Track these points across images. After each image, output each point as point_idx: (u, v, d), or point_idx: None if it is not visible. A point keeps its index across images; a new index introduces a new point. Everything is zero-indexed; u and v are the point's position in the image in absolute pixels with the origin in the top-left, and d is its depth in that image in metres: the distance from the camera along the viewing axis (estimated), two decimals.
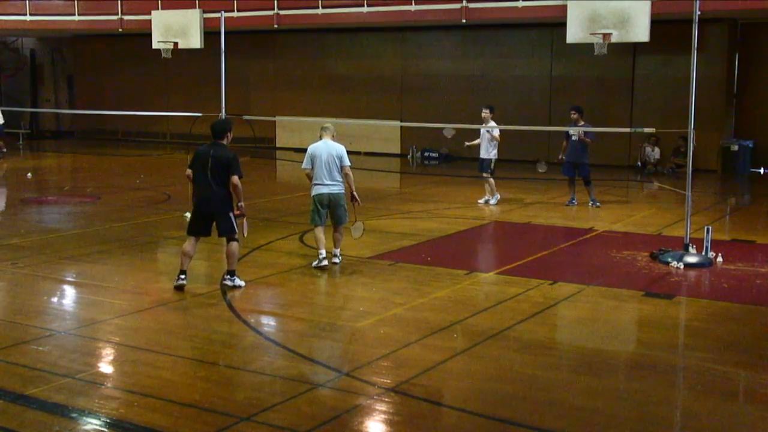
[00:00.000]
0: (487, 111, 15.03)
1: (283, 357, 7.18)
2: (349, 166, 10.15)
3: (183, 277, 9.01)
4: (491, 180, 15.26)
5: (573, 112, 15.12)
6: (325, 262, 10.05)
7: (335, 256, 10.28)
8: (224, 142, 9.09)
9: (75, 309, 8.90)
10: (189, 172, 9.07)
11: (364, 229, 10.75)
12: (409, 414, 6.02)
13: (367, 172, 19.67)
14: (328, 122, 10.63)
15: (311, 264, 10.15)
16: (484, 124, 15.02)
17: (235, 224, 9.11)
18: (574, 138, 15.10)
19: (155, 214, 14.33)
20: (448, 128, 14.46)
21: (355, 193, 10.19)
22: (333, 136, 10.35)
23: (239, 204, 9.10)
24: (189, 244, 9.07)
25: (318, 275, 10.00)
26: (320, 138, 10.29)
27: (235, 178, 8.93)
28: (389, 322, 8.08)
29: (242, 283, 9.19)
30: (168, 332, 7.84)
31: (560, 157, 15.52)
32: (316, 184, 10.12)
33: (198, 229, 9.13)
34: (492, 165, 15.15)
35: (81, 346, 7.44)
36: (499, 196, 15.40)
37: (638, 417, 5.93)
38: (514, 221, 13.86)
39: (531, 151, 22.60)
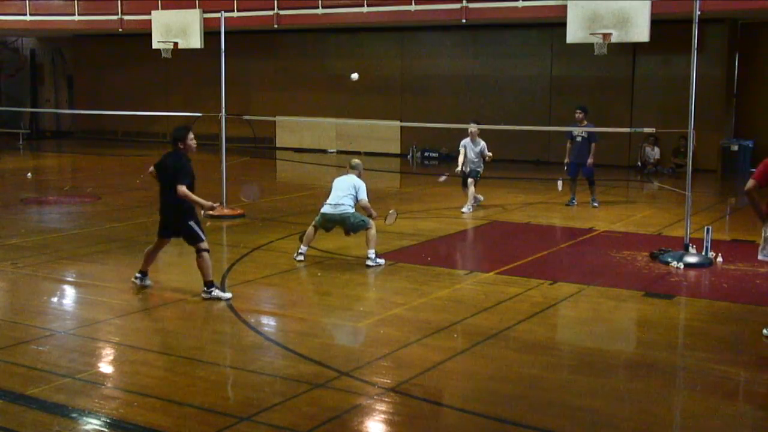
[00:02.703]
0: (476, 127, 14.60)
1: (283, 357, 7.18)
2: (365, 200, 10.45)
3: (139, 276, 9.12)
4: (472, 188, 14.57)
5: (578, 111, 14.92)
6: (300, 257, 10.42)
7: (368, 258, 10.32)
8: (182, 147, 8.70)
9: (75, 309, 8.91)
10: (152, 170, 8.93)
11: (396, 217, 11.09)
12: (409, 414, 6.02)
13: (367, 172, 19.65)
14: (357, 160, 10.93)
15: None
16: (472, 140, 14.52)
17: (198, 232, 8.67)
18: (578, 139, 14.93)
19: (155, 214, 14.23)
20: (443, 177, 14.13)
21: (372, 212, 10.53)
22: (359, 173, 10.68)
23: (203, 212, 8.74)
24: (153, 246, 9.09)
25: (318, 275, 10.02)
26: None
27: (180, 188, 8.48)
28: (389, 322, 8.08)
29: (225, 295, 8.67)
30: (168, 332, 7.84)
31: (566, 161, 15.18)
32: (325, 204, 10.54)
33: (164, 233, 9.05)
34: (479, 175, 14.63)
35: (81, 346, 7.44)
36: (471, 207, 14.56)
37: (638, 417, 5.94)
38: (514, 221, 13.86)
39: (531, 151, 22.65)
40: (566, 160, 15.26)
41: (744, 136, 21.11)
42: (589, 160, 14.90)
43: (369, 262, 10.26)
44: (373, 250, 10.31)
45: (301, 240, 10.75)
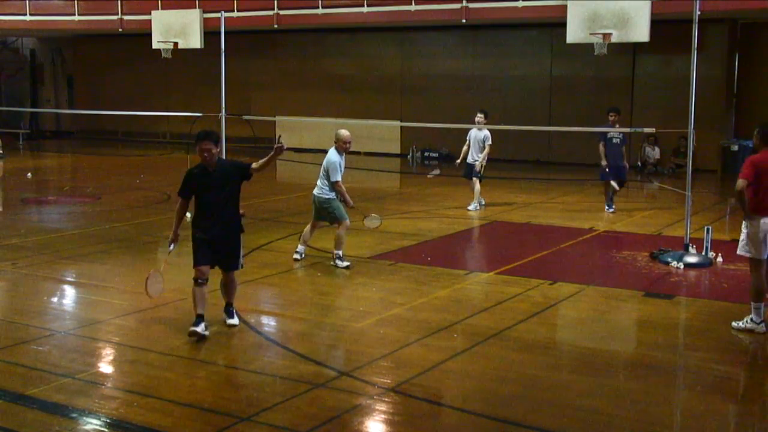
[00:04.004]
0: (482, 116, 14.45)
1: (283, 357, 7.18)
2: (338, 182, 10.03)
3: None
4: (477, 185, 14.59)
5: (613, 114, 14.15)
6: (297, 256, 10.45)
7: (338, 257, 10.19)
8: None
9: (75, 309, 8.91)
10: None
11: (380, 221, 10.79)
12: (409, 414, 6.02)
13: (367, 172, 19.67)
14: (343, 129, 10.29)
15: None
16: (477, 129, 14.46)
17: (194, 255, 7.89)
18: (615, 141, 14.35)
19: (155, 214, 14.32)
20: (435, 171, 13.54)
21: (347, 198, 10.16)
22: (336, 145, 10.23)
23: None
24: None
25: (318, 275, 10.02)
26: None
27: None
28: (389, 322, 8.08)
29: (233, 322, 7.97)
30: (168, 332, 7.83)
31: (603, 163, 14.33)
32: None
33: None
34: (481, 170, 14.51)
35: (81, 346, 7.45)
36: (478, 205, 14.62)
37: (638, 417, 5.94)
38: (514, 221, 13.85)
39: (531, 150, 22.65)
40: (604, 163, 14.36)
41: (744, 136, 21.06)
42: (625, 163, 14.60)
43: (338, 262, 10.14)
44: (339, 251, 10.15)
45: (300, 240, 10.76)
